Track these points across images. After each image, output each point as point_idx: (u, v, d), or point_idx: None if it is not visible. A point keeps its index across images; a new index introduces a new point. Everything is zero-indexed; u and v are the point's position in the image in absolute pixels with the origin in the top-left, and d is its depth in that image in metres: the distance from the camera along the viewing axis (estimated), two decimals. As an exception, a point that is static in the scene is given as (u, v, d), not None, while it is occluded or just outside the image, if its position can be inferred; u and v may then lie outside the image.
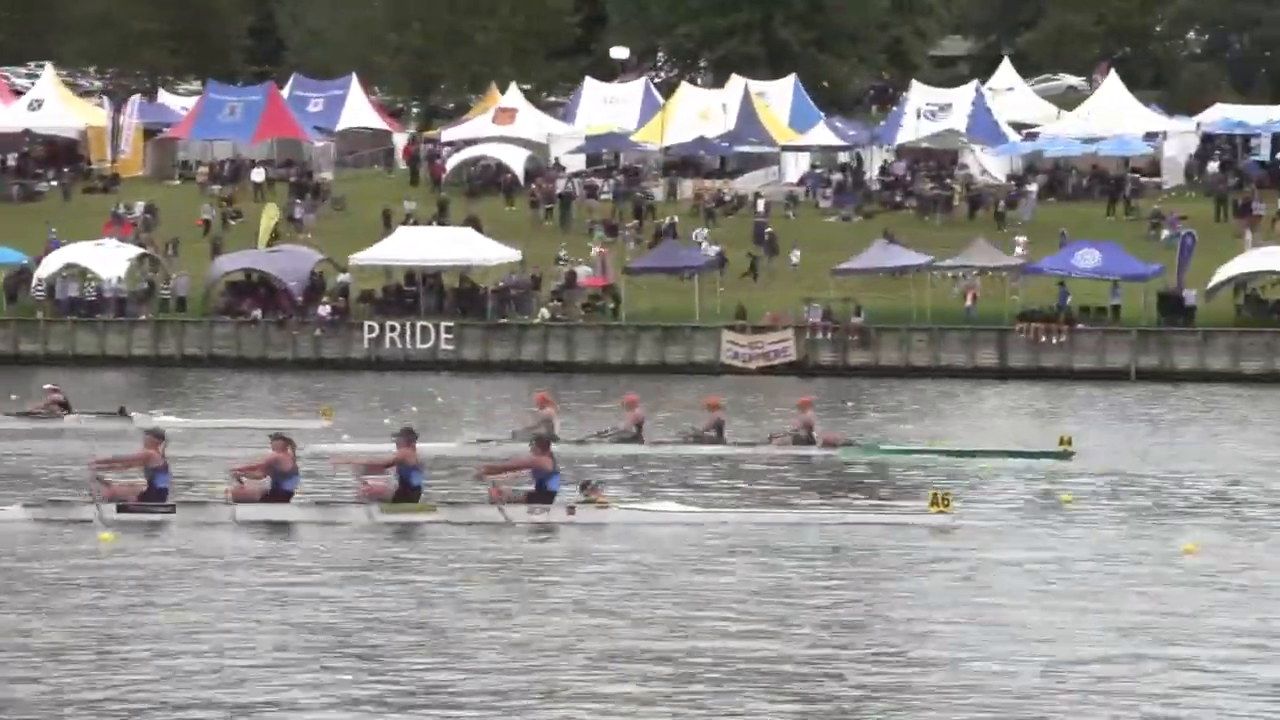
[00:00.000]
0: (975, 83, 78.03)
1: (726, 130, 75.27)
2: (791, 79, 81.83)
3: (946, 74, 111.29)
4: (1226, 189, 66.34)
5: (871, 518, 24.69)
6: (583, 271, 61.12)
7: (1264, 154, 70.90)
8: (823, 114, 79.07)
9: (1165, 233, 62.98)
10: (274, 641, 16.39)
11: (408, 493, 23.88)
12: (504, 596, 18.83)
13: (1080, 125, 72.98)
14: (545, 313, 59.61)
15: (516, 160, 74.10)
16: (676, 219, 66.83)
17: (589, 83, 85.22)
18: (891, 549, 22.28)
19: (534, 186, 70.94)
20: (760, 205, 68.06)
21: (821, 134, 74.12)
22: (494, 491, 23.91)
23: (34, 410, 38.71)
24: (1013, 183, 69.97)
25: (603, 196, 71.10)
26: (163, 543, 22.31)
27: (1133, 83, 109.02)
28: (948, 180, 69.99)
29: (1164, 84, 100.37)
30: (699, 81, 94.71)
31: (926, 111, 74.47)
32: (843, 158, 75.77)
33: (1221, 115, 75.27)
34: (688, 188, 72.26)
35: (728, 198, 70.93)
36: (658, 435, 34.73)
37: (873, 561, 21.68)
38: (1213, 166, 69.22)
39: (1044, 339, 56.30)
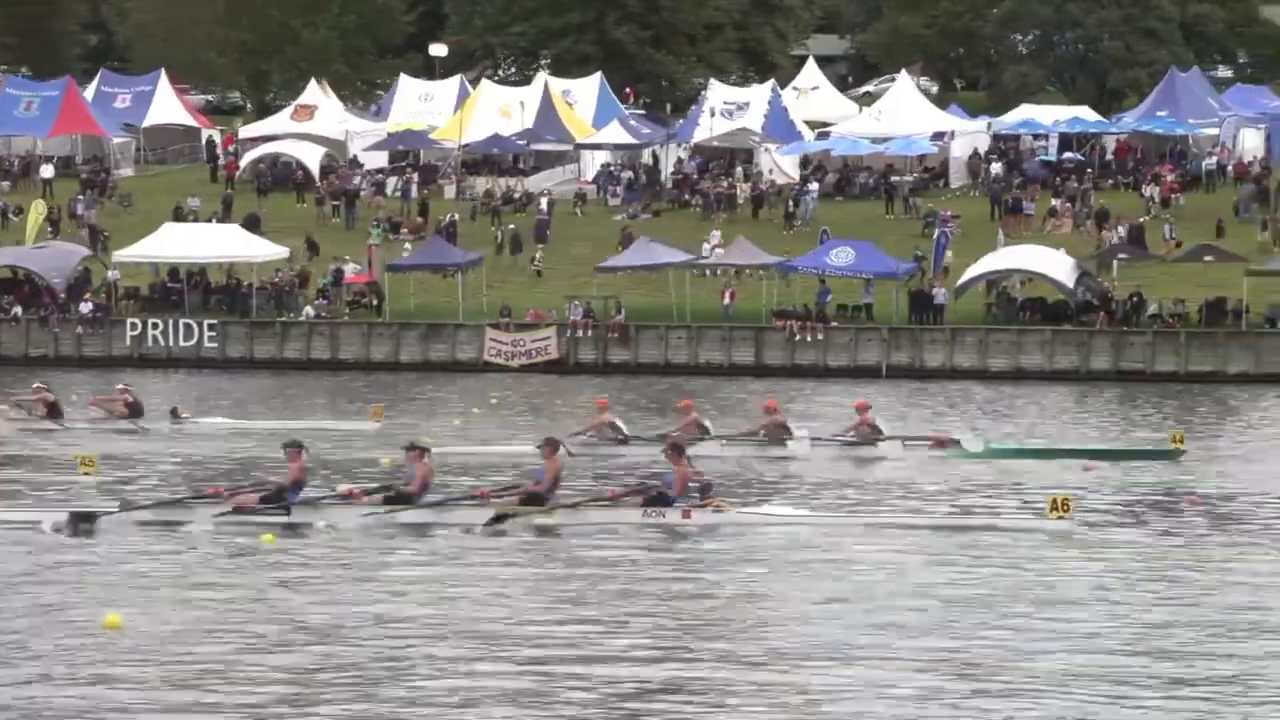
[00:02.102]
0: (772, 82, 78.58)
1: (525, 128, 75.52)
2: (597, 77, 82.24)
3: (829, 74, 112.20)
4: (1001, 188, 67.03)
5: (990, 522, 24.53)
6: (350, 269, 61.23)
7: (1051, 154, 71.63)
8: (625, 111, 79.49)
9: (937, 231, 63.58)
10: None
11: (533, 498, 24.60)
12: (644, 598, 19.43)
13: (870, 125, 73.57)
14: (310, 310, 59.68)
15: (312, 157, 74.15)
16: (457, 216, 67.00)
17: (404, 80, 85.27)
18: (1012, 553, 22.27)
19: (320, 184, 71.05)
20: (543, 204, 68.28)
21: (615, 132, 74.40)
22: (610, 493, 24.83)
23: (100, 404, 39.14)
24: (797, 181, 70.37)
25: (392, 194, 71.28)
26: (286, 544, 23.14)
27: (972, 84, 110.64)
28: (729, 179, 70.38)
29: (994, 85, 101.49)
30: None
31: (724, 110, 74.90)
32: (647, 156, 76.11)
33: (1024, 115, 76.02)
34: (480, 185, 72.42)
35: (518, 195, 71.19)
36: (722, 435, 34.66)
37: (993, 565, 21.68)
38: (996, 167, 69.81)
39: (798, 337, 56.83)
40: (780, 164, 72.96)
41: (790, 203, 67.70)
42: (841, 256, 57.94)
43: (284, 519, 24.28)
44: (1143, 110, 73.28)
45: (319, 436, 35.94)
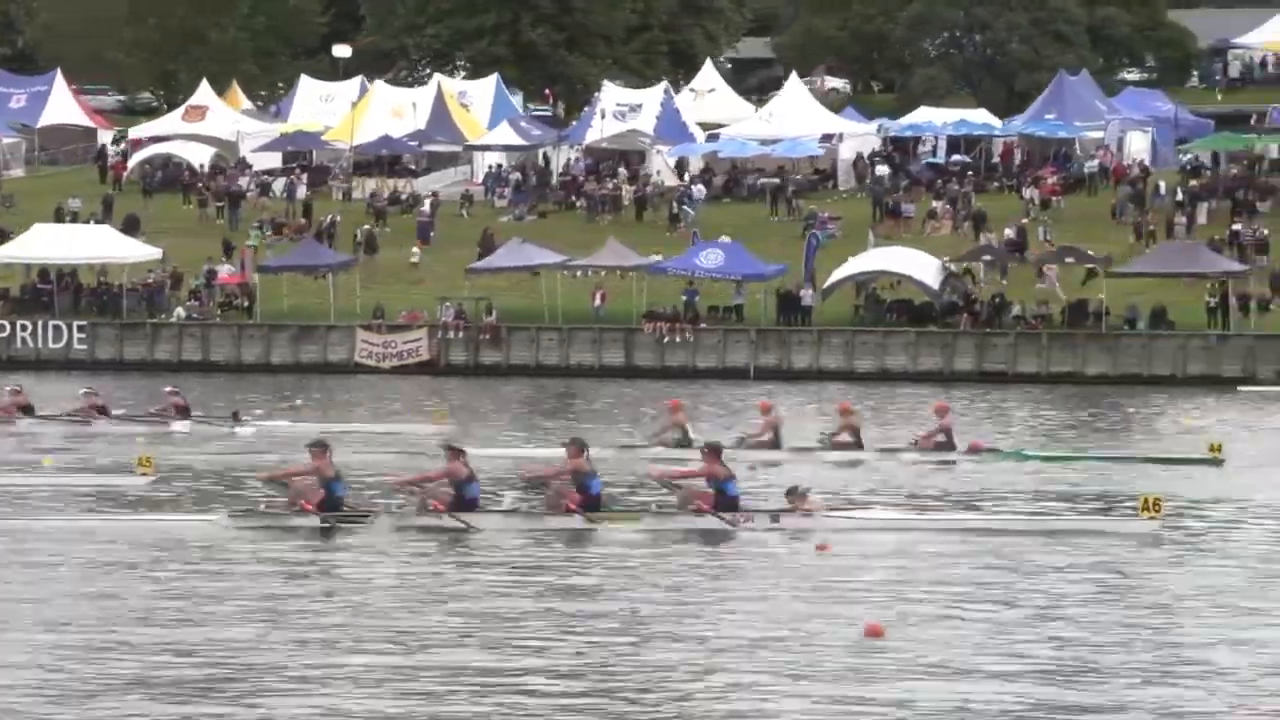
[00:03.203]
0: (664, 84, 78.62)
1: (417, 129, 75.49)
2: (493, 78, 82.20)
3: (761, 76, 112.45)
4: (883, 190, 67.15)
5: (1082, 524, 24.36)
6: (225, 270, 61.09)
7: (940, 156, 71.75)
8: (522, 113, 79.47)
9: (808, 233, 63.74)
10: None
11: (589, 501, 23.74)
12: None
13: (760, 127, 73.64)
14: (181, 312, 59.53)
15: (202, 158, 73.96)
16: (338, 217, 66.90)
17: (305, 80, 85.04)
18: (1104, 555, 22.06)
19: (201, 184, 70.95)
20: (426, 205, 68.27)
21: (505, 134, 74.34)
22: (698, 501, 23.83)
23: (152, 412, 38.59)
24: (684, 183, 70.37)
25: (276, 195, 71.20)
26: (371, 549, 22.54)
27: (889, 86, 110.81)
28: (613, 181, 70.41)
29: (904, 87, 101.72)
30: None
31: (616, 112, 74.99)
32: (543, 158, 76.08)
33: (922, 118, 75.99)
34: (368, 186, 72.33)
35: (404, 196, 71.12)
36: (795, 442, 33.90)
37: (1095, 568, 21.38)
38: (882, 169, 69.87)
39: (667, 338, 56.90)
40: (672, 165, 73.02)
41: (673, 204, 67.70)
42: (711, 258, 58.05)
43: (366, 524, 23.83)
44: (1031, 113, 73.46)
45: (384, 440, 35.56)
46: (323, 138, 76.36)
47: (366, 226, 65.36)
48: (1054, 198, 65.87)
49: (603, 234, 64.73)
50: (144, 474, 28.19)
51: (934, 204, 65.92)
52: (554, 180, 73.05)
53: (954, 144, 72.72)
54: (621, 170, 71.42)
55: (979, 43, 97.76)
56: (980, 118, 73.83)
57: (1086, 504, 27.21)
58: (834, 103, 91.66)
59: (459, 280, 61.13)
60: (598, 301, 58.63)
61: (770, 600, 19.15)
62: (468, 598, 19.19)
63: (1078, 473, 31.23)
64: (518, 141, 74.17)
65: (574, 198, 70.54)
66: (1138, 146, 71.29)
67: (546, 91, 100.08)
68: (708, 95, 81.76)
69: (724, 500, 23.55)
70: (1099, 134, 70.91)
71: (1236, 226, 59.21)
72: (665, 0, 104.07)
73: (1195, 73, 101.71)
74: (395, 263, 64.07)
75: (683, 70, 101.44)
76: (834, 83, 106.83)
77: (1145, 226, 61.08)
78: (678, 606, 18.82)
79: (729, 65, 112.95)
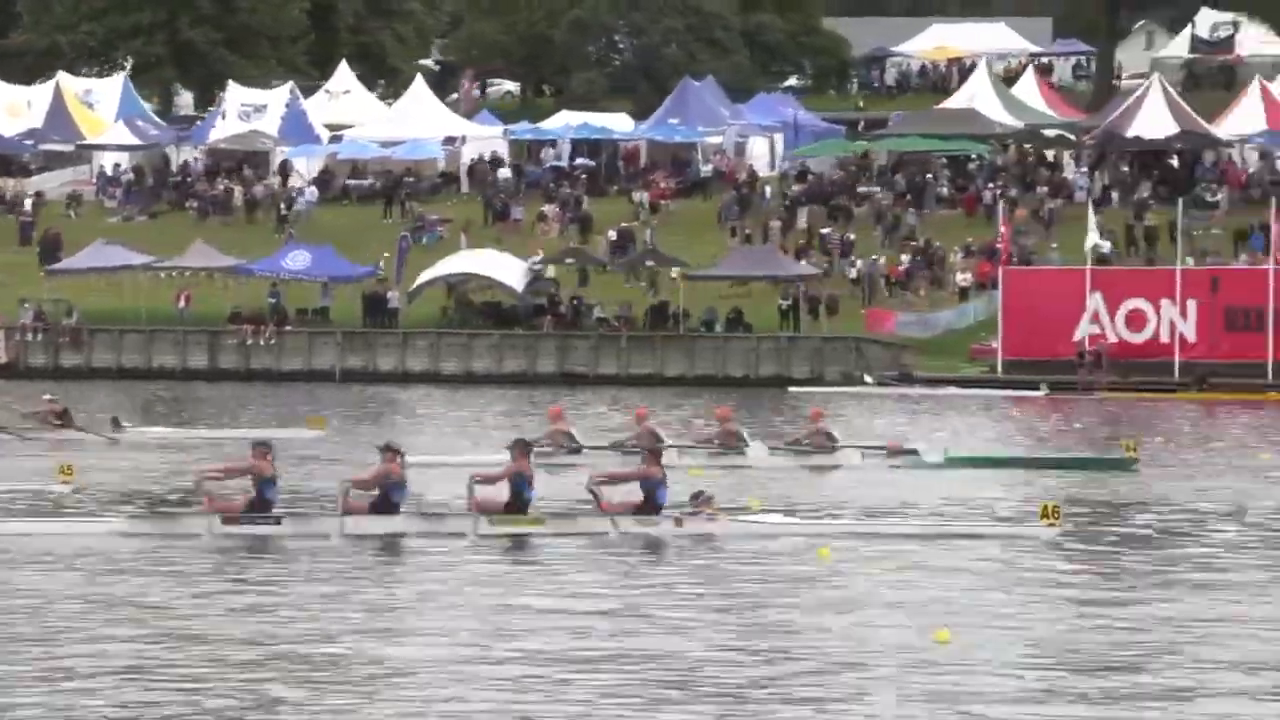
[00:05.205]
0: (291, 84, 77.43)
1: (32, 127, 73.54)
2: (121, 77, 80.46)
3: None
4: (494, 193, 66.88)
5: (978, 529, 23.43)
6: None
7: (563, 160, 71.61)
8: (144, 112, 77.93)
9: (426, 237, 63.30)
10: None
11: (518, 505, 22.77)
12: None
13: (383, 129, 72.84)
14: None
15: None
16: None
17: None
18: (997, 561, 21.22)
19: None
20: (27, 205, 66.45)
21: (120, 133, 72.70)
22: (603, 504, 22.82)
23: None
24: (301, 185, 69.33)
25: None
26: (271, 556, 21.18)
27: (560, 90, 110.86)
28: (225, 183, 69.23)
29: (564, 91, 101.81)
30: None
31: (241, 112, 73.78)
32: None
33: (557, 123, 75.79)
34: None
35: (9, 196, 69.14)
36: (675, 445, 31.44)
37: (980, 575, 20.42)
38: (504, 172, 69.53)
39: (253, 340, 55.91)
40: (298, 168, 71.93)
41: (282, 206, 66.68)
42: (298, 260, 57.26)
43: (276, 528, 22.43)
44: (655, 118, 73.74)
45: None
46: (-65, 136, 74.01)
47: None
48: (664, 201, 66.03)
49: (213, 235, 63.59)
50: (65, 481, 26.80)
51: (544, 207, 65.69)
52: (173, 181, 71.60)
53: (582, 148, 72.62)
54: (247, 171, 70.29)
55: (635, 47, 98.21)
56: (603, 121, 73.83)
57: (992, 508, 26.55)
58: (503, 106, 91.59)
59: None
60: (182, 303, 57.45)
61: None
62: None
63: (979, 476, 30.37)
64: (133, 141, 72.56)
65: (187, 199, 69.17)
66: (759, 151, 71.89)
67: (219, 93, 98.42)
68: (342, 96, 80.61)
69: (650, 505, 23.21)
70: (720, 139, 71.32)
71: (825, 230, 59.82)
72: (352, 2, 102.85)
73: (855, 79, 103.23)
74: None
75: (376, 74, 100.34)
76: (508, 85, 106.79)
77: (743, 230, 61.47)
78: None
79: (437, 68, 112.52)
